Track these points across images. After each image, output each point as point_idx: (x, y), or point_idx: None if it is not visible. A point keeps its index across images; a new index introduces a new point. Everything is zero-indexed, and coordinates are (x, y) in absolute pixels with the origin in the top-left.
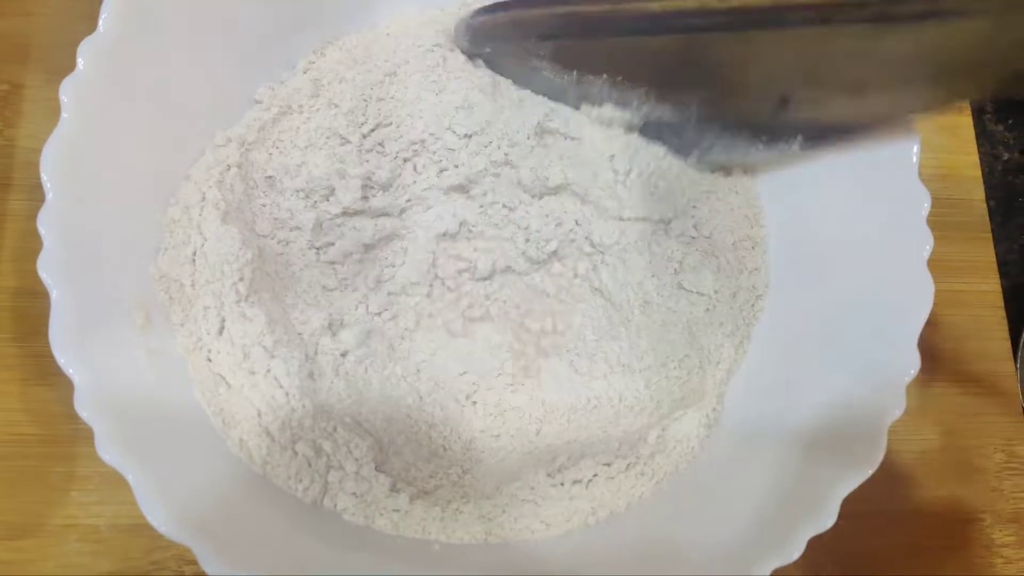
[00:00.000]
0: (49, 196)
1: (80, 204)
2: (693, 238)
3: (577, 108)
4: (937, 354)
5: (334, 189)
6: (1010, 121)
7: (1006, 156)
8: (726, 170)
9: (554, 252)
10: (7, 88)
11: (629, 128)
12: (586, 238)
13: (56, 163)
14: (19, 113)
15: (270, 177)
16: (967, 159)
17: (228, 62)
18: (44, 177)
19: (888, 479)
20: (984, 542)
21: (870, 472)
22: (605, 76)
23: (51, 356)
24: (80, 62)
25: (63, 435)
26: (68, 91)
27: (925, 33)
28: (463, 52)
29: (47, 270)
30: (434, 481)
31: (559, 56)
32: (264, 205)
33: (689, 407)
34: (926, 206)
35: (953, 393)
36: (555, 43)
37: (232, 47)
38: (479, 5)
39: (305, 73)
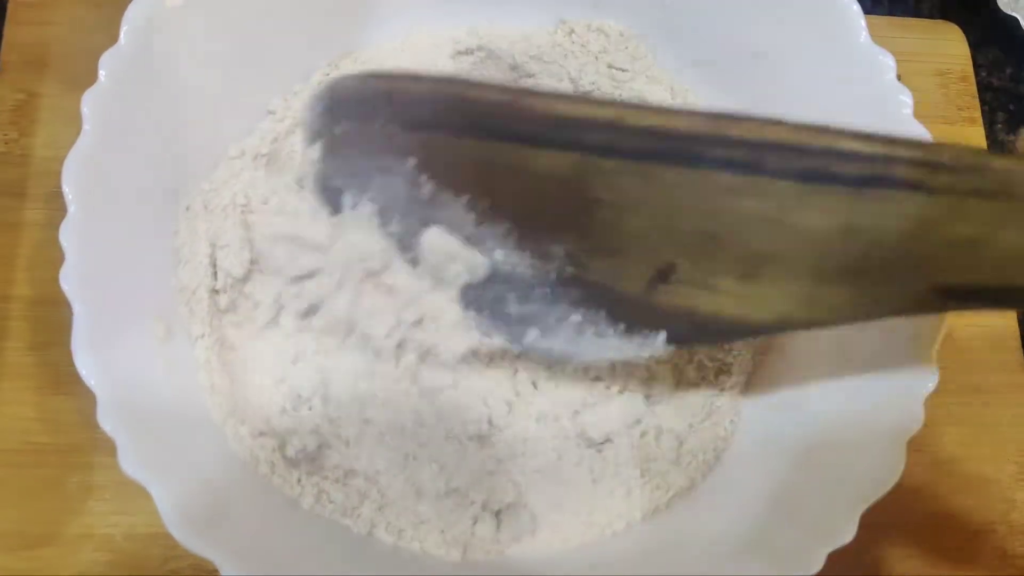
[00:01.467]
0: (71, 208)
1: (101, 216)
2: None
3: (420, 230)
4: (950, 365)
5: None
6: (1022, 131)
7: None
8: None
9: None
10: (23, 97)
11: (471, 273)
12: None
13: (78, 175)
14: (35, 122)
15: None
16: None
17: (245, 73)
18: (66, 189)
19: (901, 490)
20: (998, 553)
21: (889, 486)
22: (467, 198)
23: (68, 365)
24: (102, 74)
25: (80, 444)
26: (90, 103)
27: (859, 205)
28: (307, 128)
29: (69, 282)
30: (453, 498)
31: (423, 157)
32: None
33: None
34: None
35: (965, 404)
36: (425, 136)
37: (249, 58)
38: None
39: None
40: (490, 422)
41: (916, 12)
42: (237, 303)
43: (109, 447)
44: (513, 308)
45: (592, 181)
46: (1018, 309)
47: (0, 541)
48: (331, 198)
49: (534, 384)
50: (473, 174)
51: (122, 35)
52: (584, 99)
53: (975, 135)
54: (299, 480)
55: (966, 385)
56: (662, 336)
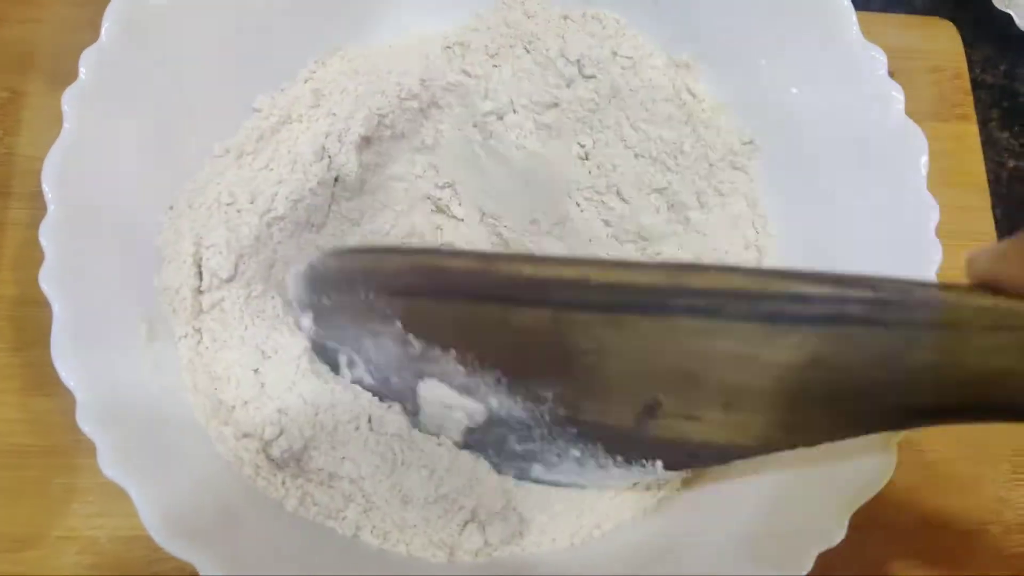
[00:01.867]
0: (51, 207)
1: (82, 215)
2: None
3: (416, 383)
4: None
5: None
6: (1016, 128)
7: (1012, 164)
8: None
9: None
10: (8, 95)
11: (470, 419)
12: None
13: (58, 174)
14: (20, 121)
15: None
16: (973, 167)
17: (229, 71)
18: (46, 188)
19: (895, 490)
20: (992, 552)
21: (880, 487)
22: (455, 352)
23: (51, 366)
24: (82, 72)
25: (63, 446)
26: (70, 101)
27: (821, 342)
28: (294, 303)
29: (49, 282)
30: (441, 504)
31: (408, 320)
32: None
33: None
34: (935, 217)
35: None
36: (407, 302)
37: (233, 56)
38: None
39: (306, 83)
40: None
41: (910, 9)
42: (221, 303)
43: (93, 449)
44: (515, 447)
45: (569, 332)
46: (989, 423)
47: None
48: (328, 358)
49: None
50: (457, 331)
51: (103, 32)
52: (550, 260)
53: (968, 132)
54: (283, 482)
55: None
56: (660, 464)
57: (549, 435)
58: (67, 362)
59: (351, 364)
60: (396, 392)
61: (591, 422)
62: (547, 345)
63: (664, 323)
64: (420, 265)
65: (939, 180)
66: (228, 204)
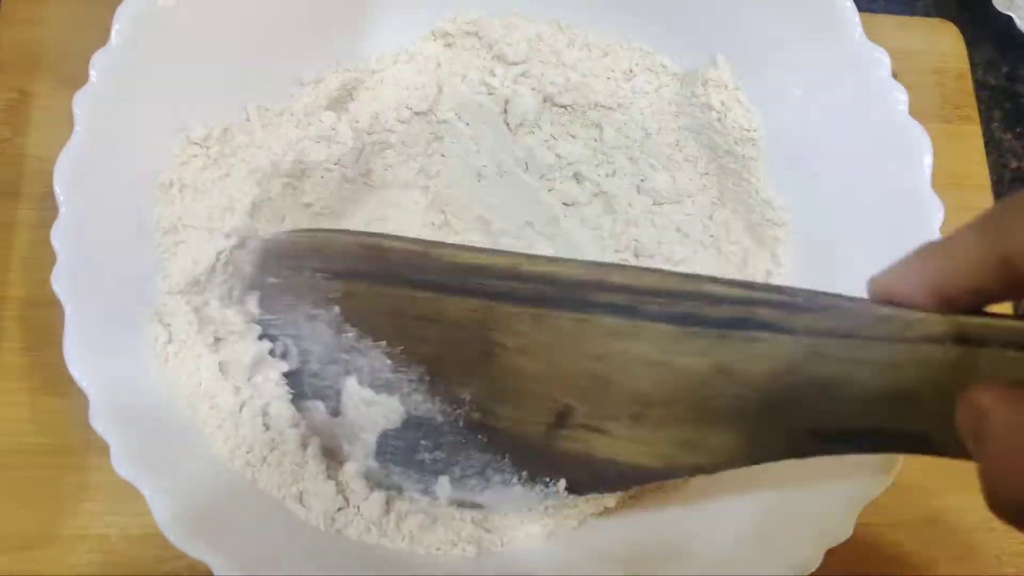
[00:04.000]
0: (62, 209)
1: (93, 217)
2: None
3: (342, 379)
4: None
5: None
6: (1018, 129)
7: (1014, 164)
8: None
9: None
10: (16, 96)
11: (387, 419)
12: None
13: (69, 176)
14: (28, 121)
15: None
16: (976, 167)
17: (236, 73)
18: (57, 190)
19: (898, 489)
20: (995, 551)
21: (887, 484)
22: (384, 343)
23: (61, 366)
24: (93, 74)
25: (74, 446)
26: (81, 103)
27: (728, 347)
28: (244, 281)
29: (61, 284)
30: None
31: (346, 304)
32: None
33: None
34: (939, 216)
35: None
36: (348, 285)
37: (241, 58)
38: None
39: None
40: None
41: (912, 11)
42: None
43: (103, 448)
44: (425, 455)
45: (494, 326)
46: (896, 453)
47: None
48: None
49: None
50: (390, 322)
51: (113, 34)
52: (486, 250)
53: (972, 133)
54: (293, 482)
55: None
56: (563, 483)
57: (461, 442)
58: (79, 362)
59: (285, 354)
60: (321, 389)
61: (503, 429)
62: (471, 341)
63: (583, 320)
64: (363, 245)
65: (942, 181)
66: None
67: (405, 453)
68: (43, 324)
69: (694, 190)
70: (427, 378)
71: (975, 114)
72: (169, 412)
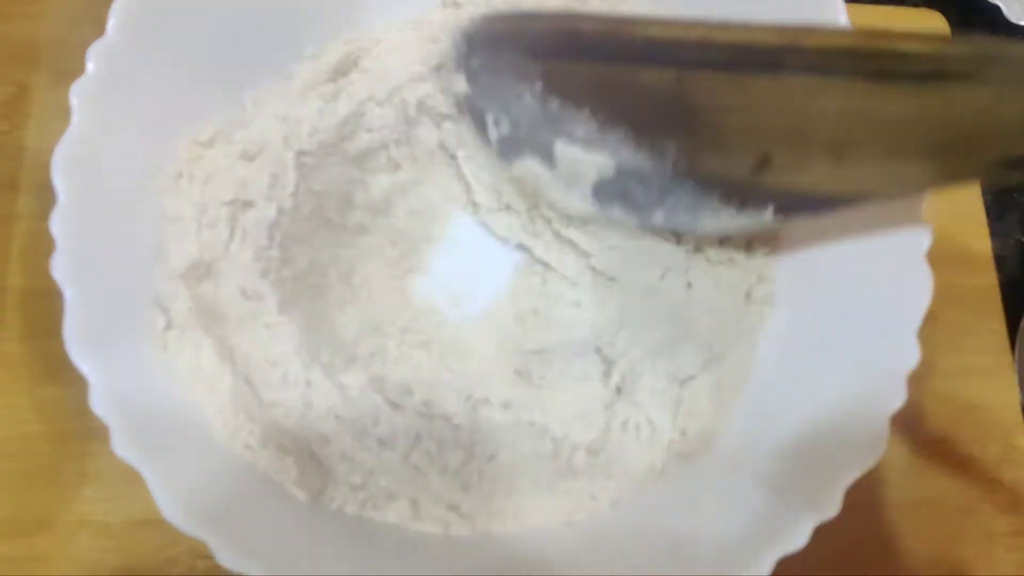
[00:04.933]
0: (61, 198)
1: (91, 205)
2: None
3: (553, 141)
4: (935, 348)
5: None
6: None
7: None
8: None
9: None
10: (14, 91)
11: (600, 172)
12: None
13: (67, 165)
14: (27, 115)
15: None
16: None
17: (232, 62)
18: (55, 179)
19: (889, 471)
20: (984, 531)
21: (873, 461)
22: (588, 110)
23: (61, 355)
24: (89, 66)
25: (74, 433)
26: (78, 94)
27: (924, 96)
28: (452, 61)
29: (60, 270)
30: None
31: (547, 80)
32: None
33: None
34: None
35: (951, 387)
36: (546, 64)
37: (236, 47)
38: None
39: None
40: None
41: (900, 1)
42: (218, 293)
43: (104, 436)
44: (640, 197)
45: (690, 90)
46: None
47: None
48: (476, 118)
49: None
50: (590, 91)
51: (109, 27)
52: (675, 22)
53: None
54: (292, 466)
55: (951, 367)
56: (770, 208)
57: (670, 184)
58: (79, 346)
59: (497, 122)
60: (536, 146)
61: (709, 173)
62: (670, 103)
63: (777, 81)
64: (559, 27)
65: None
66: (228, 202)
67: (621, 195)
68: (42, 314)
69: None
70: (632, 135)
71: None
72: (168, 396)
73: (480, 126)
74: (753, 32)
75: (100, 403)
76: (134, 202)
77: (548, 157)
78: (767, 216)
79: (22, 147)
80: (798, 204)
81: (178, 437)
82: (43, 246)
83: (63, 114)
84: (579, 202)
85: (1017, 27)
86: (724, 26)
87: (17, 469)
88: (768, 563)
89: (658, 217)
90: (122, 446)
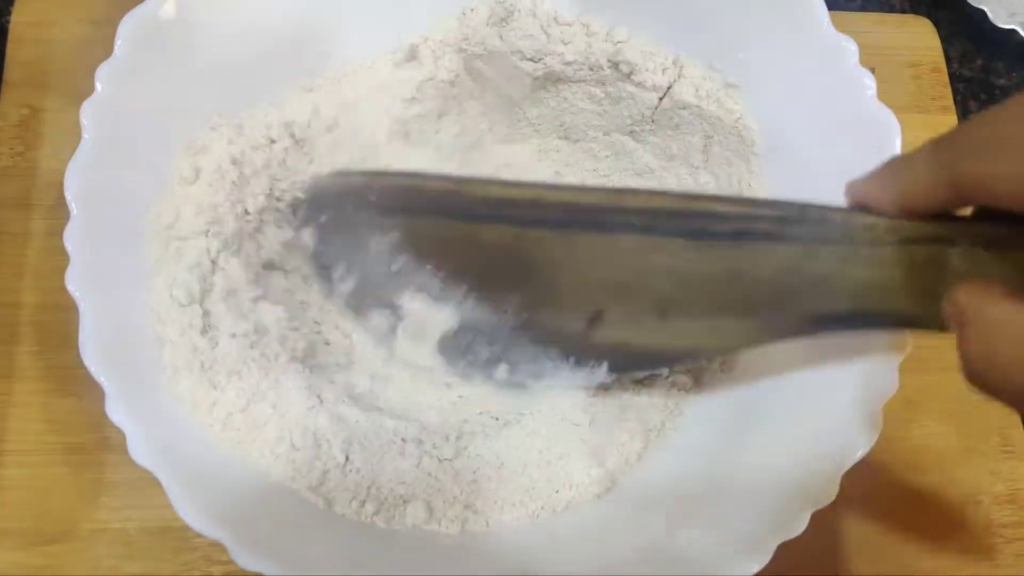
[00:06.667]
0: (74, 212)
1: (104, 220)
2: None
3: (399, 295)
4: (933, 341)
5: None
6: None
7: None
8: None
9: None
10: (28, 112)
11: (445, 328)
12: None
13: (79, 182)
14: (40, 136)
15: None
16: None
17: (236, 83)
18: (68, 196)
19: (887, 462)
20: (983, 522)
21: (868, 447)
22: (432, 266)
23: (74, 368)
24: (98, 85)
25: (90, 444)
26: (88, 113)
27: (737, 255)
28: (298, 219)
29: (75, 283)
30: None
31: (393, 236)
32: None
33: None
34: None
35: (949, 380)
36: (393, 220)
37: (239, 68)
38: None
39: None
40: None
41: (888, 8)
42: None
43: (118, 446)
44: (483, 352)
45: (528, 247)
46: (885, 330)
47: (17, 538)
48: (323, 274)
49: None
50: (434, 247)
51: (116, 48)
52: (512, 183)
53: (949, 122)
54: (306, 474)
55: (950, 360)
56: (605, 366)
57: (512, 339)
58: (94, 356)
59: (343, 278)
60: (383, 301)
61: (546, 329)
62: (509, 259)
63: (605, 239)
64: (404, 186)
65: None
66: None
67: (465, 349)
68: (57, 328)
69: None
70: (473, 292)
71: (952, 104)
72: (185, 403)
73: (327, 281)
74: (581, 192)
75: (116, 411)
76: (144, 214)
77: (395, 311)
78: (602, 372)
79: (36, 167)
80: (630, 362)
81: (193, 444)
82: (57, 263)
83: (74, 135)
84: (427, 357)
85: (1003, 31)
86: (556, 186)
87: (34, 479)
88: (767, 550)
89: (502, 372)
90: (140, 453)
